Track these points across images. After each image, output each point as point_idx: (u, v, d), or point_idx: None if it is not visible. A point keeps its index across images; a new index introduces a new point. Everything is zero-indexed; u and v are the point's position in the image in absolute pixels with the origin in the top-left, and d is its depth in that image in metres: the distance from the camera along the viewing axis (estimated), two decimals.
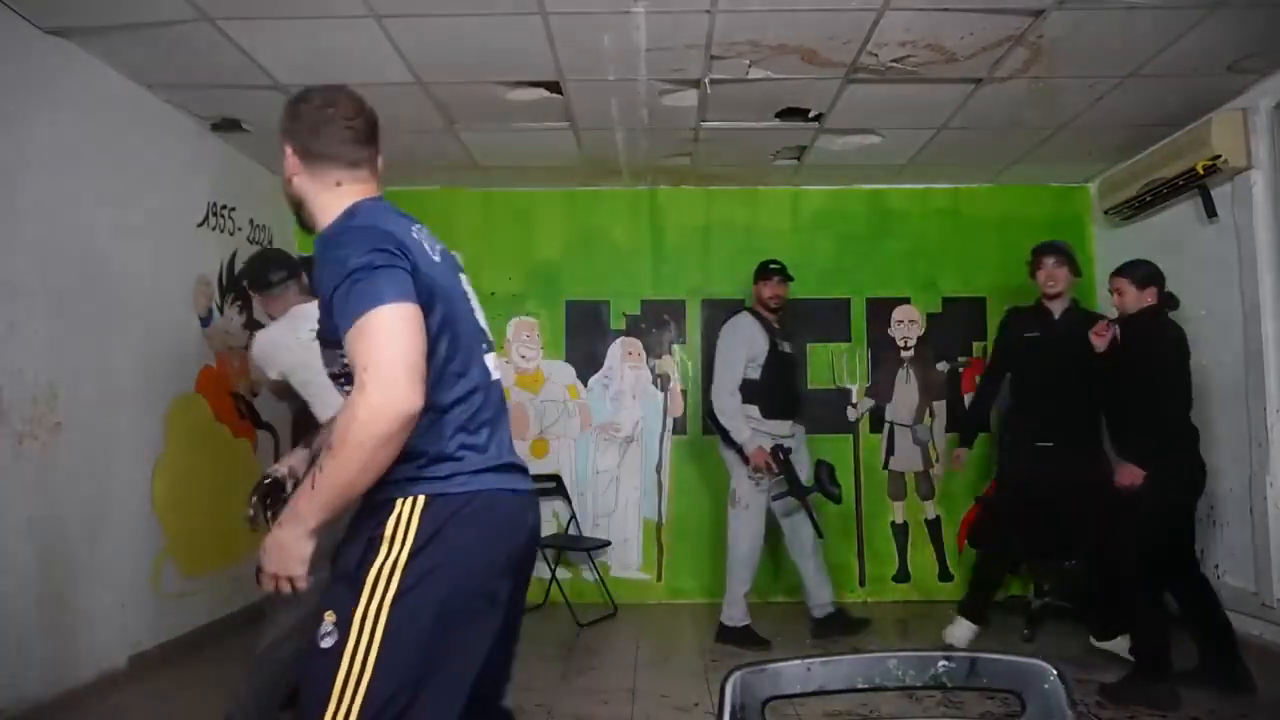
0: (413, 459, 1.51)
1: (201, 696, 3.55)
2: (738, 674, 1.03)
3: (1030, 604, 4.58)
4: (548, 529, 5.05)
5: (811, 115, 4.35)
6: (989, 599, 4.15)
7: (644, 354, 5.47)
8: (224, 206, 4.68)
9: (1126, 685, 3.35)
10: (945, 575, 5.37)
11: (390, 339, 1.42)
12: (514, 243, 5.55)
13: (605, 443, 5.45)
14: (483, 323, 1.75)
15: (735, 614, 4.29)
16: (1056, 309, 4.00)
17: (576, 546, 4.98)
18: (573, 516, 5.27)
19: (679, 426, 5.46)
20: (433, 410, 1.51)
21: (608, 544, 5.24)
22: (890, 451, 5.45)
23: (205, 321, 4.50)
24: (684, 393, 5.47)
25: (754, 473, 4.20)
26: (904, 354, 5.49)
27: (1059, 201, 5.55)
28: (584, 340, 5.49)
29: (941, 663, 1.02)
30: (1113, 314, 3.78)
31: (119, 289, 3.79)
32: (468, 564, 1.52)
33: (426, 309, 1.52)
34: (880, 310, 5.51)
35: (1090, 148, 4.86)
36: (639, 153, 4.94)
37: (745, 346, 4.27)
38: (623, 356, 5.47)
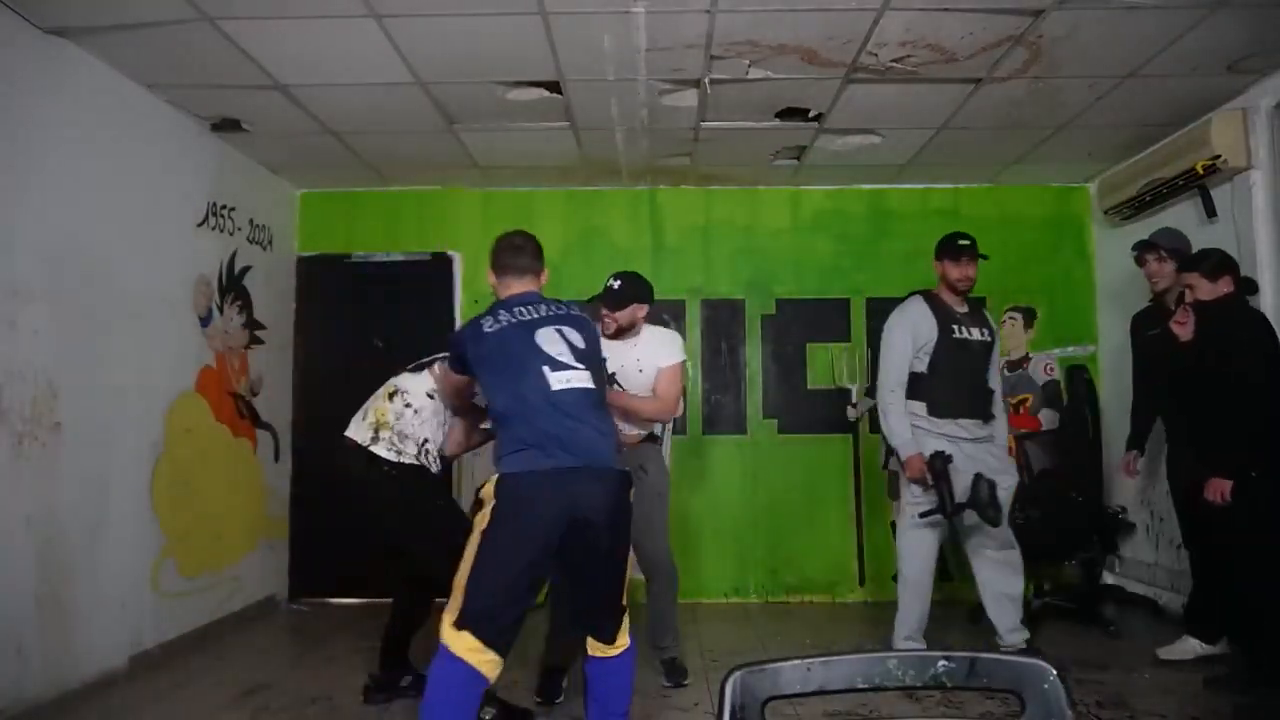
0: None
1: (201, 696, 3.55)
2: (737, 674, 1.03)
3: (1030, 604, 4.58)
4: None
5: (811, 115, 4.35)
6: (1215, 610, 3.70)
7: None
8: (224, 206, 4.68)
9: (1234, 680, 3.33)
10: (945, 575, 5.36)
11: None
12: None
13: None
14: (548, 349, 2.53)
15: (905, 646, 3.61)
16: (1171, 303, 3.76)
17: None
18: None
19: (679, 426, 5.45)
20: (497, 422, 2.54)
21: None
22: (890, 451, 5.44)
23: (205, 321, 4.50)
24: (684, 392, 5.46)
25: (910, 483, 3.66)
26: None
27: (1059, 201, 5.55)
28: None
29: (941, 663, 1.02)
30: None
31: (119, 289, 3.79)
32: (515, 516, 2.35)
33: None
34: (880, 310, 5.49)
35: (1090, 148, 4.86)
36: (639, 153, 4.94)
37: (910, 334, 3.68)
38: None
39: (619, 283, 3.51)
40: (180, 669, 3.90)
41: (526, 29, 3.38)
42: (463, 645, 2.26)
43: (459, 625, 2.28)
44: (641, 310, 3.52)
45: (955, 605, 5.04)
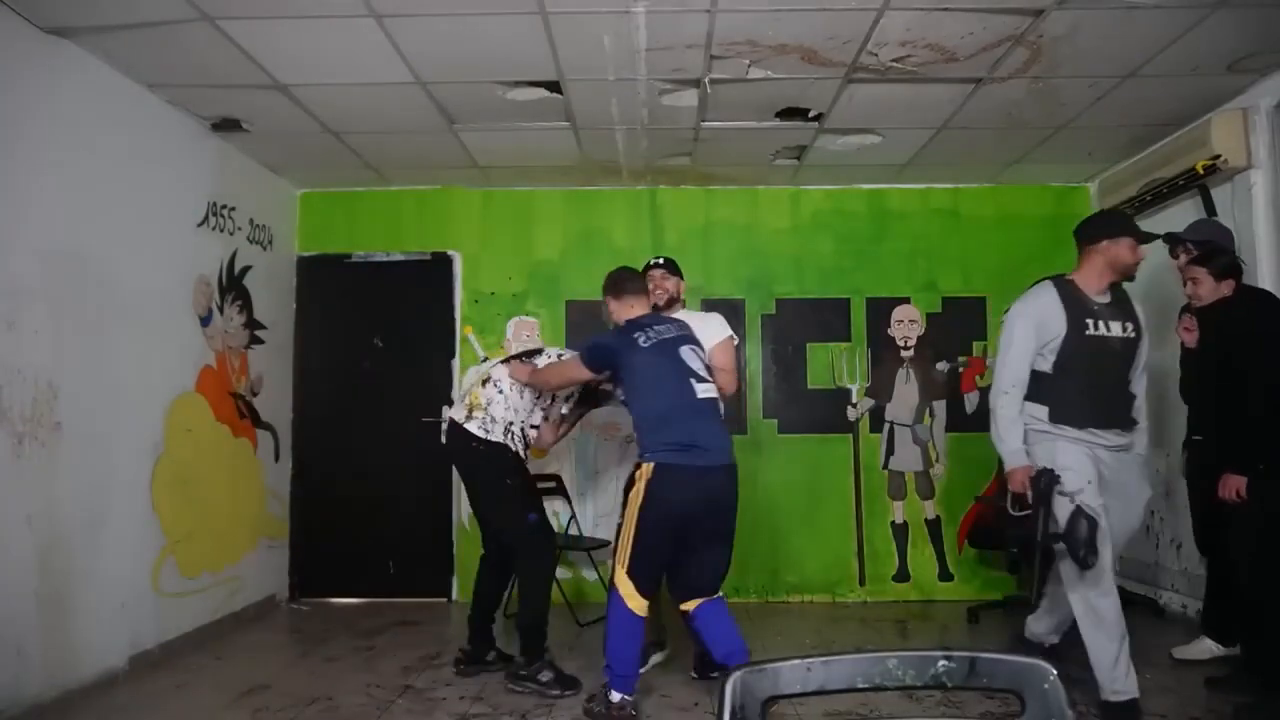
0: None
1: (201, 696, 3.55)
2: (737, 674, 1.03)
3: (1030, 604, 4.57)
4: None
5: (811, 115, 4.35)
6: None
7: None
8: (224, 206, 4.68)
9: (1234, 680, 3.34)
10: (945, 575, 5.37)
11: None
12: (514, 243, 5.55)
13: (605, 443, 5.45)
14: (691, 364, 3.20)
15: (1113, 687, 3.01)
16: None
17: (576, 546, 4.97)
18: (573, 516, 5.27)
19: None
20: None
21: (608, 544, 5.24)
22: (890, 451, 5.45)
23: (205, 321, 4.50)
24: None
25: (1012, 497, 3.16)
26: (904, 354, 5.49)
27: (1059, 201, 5.55)
28: (584, 340, 5.47)
29: (941, 663, 1.02)
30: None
31: (119, 289, 3.79)
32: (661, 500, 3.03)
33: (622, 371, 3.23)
34: (880, 310, 5.51)
35: (1090, 148, 4.86)
36: (639, 153, 4.94)
37: (1034, 328, 3.17)
38: None
39: (663, 258, 3.85)
40: (180, 669, 3.90)
41: (526, 29, 3.39)
42: (626, 589, 3.02)
43: (627, 572, 3.03)
44: (683, 287, 3.85)
45: (955, 605, 5.05)
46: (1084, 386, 3.13)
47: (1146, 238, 3.22)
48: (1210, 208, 4.30)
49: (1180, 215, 4.59)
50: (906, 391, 5.47)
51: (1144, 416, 3.29)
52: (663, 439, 3.06)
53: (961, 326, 5.49)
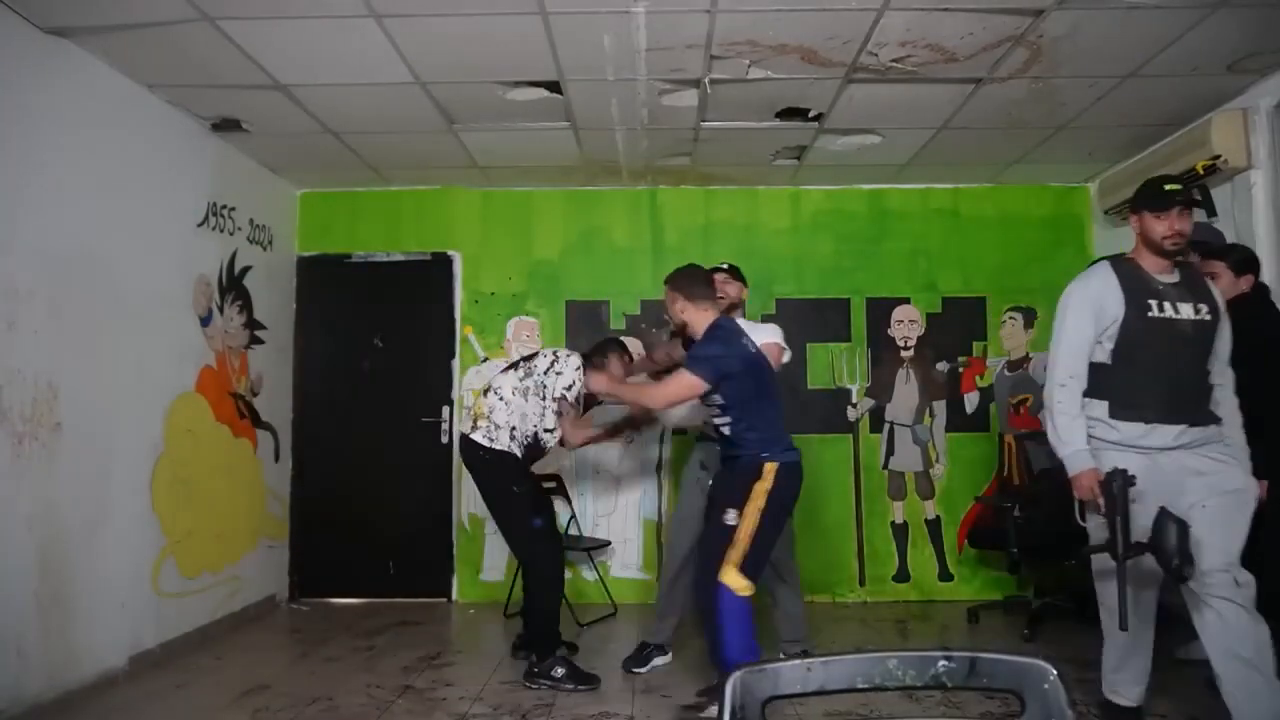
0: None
1: (201, 696, 3.55)
2: (738, 674, 1.03)
3: (1030, 604, 4.58)
4: None
5: (811, 115, 4.35)
6: None
7: (644, 354, 5.47)
8: (224, 206, 4.68)
9: None
10: (945, 575, 5.37)
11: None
12: (514, 243, 5.55)
13: (605, 442, 5.44)
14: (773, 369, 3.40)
15: (1112, 687, 2.97)
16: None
17: (576, 546, 4.97)
18: (573, 516, 5.27)
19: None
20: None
21: (608, 544, 5.25)
22: (890, 451, 5.45)
23: (205, 321, 4.50)
24: None
25: (1080, 506, 2.87)
26: (904, 354, 5.49)
27: (1059, 201, 5.55)
28: (584, 340, 5.45)
29: (941, 663, 1.02)
30: None
31: (119, 289, 3.79)
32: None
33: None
34: (880, 310, 5.51)
35: (1090, 148, 4.86)
36: (639, 153, 4.94)
37: (1090, 313, 2.84)
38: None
39: (727, 264, 3.94)
40: (180, 669, 3.90)
41: (526, 29, 3.38)
42: (740, 583, 3.05)
43: (741, 568, 3.06)
44: (745, 293, 3.93)
45: (955, 605, 5.06)
46: (1150, 376, 2.76)
47: (1165, 203, 2.80)
48: (1210, 208, 4.30)
49: None
50: (906, 392, 5.47)
51: (1231, 407, 2.86)
52: (781, 441, 3.22)
53: (961, 327, 5.49)
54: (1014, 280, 5.49)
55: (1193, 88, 4.01)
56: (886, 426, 5.46)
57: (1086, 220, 5.53)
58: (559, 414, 3.77)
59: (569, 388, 3.74)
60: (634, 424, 4.34)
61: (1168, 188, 2.82)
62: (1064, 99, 4.14)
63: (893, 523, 5.42)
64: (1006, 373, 5.47)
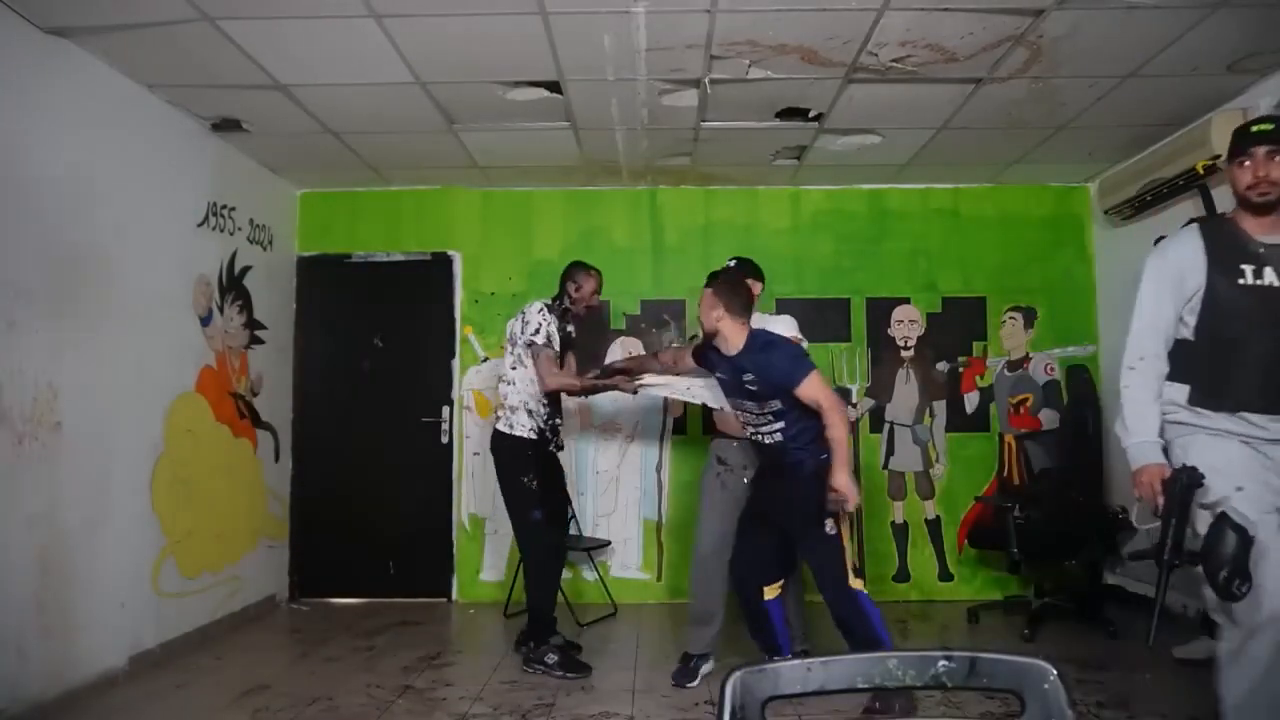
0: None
1: (202, 696, 3.56)
2: (738, 674, 1.03)
3: (1030, 604, 4.58)
4: None
5: (811, 115, 4.35)
6: None
7: (644, 354, 5.47)
8: (224, 206, 4.68)
9: None
10: (945, 575, 5.37)
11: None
12: (514, 243, 5.55)
13: (605, 443, 5.45)
14: None
15: None
16: None
17: (576, 546, 4.97)
18: (573, 516, 5.26)
19: (678, 426, 5.46)
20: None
21: (608, 544, 5.25)
22: (890, 451, 5.45)
23: (205, 321, 4.50)
24: None
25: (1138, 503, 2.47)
26: (904, 354, 5.49)
27: (1059, 201, 5.55)
28: (584, 340, 5.48)
29: (941, 663, 1.02)
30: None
31: (119, 289, 3.79)
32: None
33: None
34: (880, 310, 5.51)
35: (1090, 148, 4.86)
36: (639, 153, 4.94)
37: (1171, 283, 2.44)
38: (623, 356, 5.47)
39: (734, 260, 3.90)
40: (180, 669, 3.90)
41: (526, 29, 3.38)
42: (859, 583, 3.21)
43: (856, 573, 3.23)
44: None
45: (955, 605, 5.06)
46: (1241, 356, 2.34)
47: (1245, 145, 2.40)
48: (1210, 208, 4.30)
49: (1180, 215, 4.59)
50: (906, 392, 5.47)
51: None
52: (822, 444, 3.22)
53: (961, 327, 5.49)
54: (1014, 280, 5.49)
55: (1193, 88, 4.01)
56: (886, 426, 5.46)
57: (1086, 220, 5.53)
58: (535, 358, 3.83)
59: (536, 331, 3.84)
60: (622, 374, 4.01)
61: (1253, 129, 2.40)
62: (1064, 99, 4.14)
63: (893, 523, 5.42)
64: (1006, 373, 5.47)
